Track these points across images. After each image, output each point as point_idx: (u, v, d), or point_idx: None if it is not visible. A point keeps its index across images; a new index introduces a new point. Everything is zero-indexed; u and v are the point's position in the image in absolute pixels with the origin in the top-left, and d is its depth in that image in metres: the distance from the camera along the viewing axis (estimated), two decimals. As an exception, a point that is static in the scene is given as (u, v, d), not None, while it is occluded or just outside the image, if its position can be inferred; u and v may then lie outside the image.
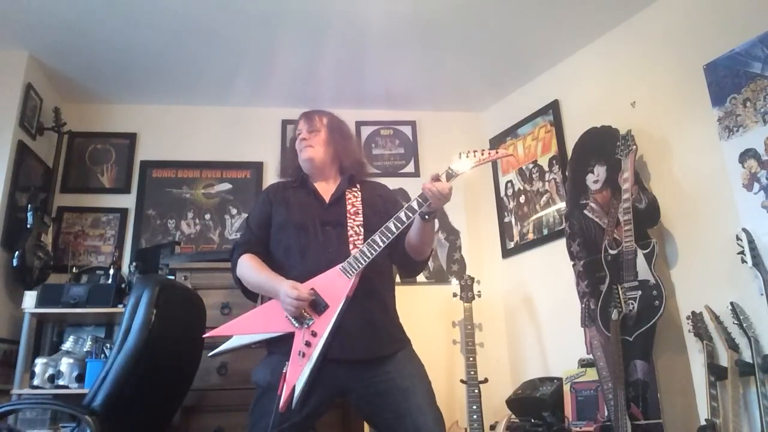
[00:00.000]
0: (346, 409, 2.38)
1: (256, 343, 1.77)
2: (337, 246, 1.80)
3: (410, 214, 1.73)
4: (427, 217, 1.76)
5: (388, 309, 1.86)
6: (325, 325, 1.68)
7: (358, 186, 1.98)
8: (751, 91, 2.41)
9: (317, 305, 1.70)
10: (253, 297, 1.95)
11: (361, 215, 1.87)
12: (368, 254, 1.72)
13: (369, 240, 1.74)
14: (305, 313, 1.70)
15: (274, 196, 1.98)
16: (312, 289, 1.70)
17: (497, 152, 1.81)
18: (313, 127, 1.98)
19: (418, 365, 1.79)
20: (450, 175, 1.73)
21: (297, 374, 1.63)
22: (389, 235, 1.72)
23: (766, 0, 2.42)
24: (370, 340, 1.73)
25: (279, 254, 1.87)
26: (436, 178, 1.71)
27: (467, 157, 1.74)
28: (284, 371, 1.63)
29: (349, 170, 2.00)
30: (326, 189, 1.96)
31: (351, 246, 1.79)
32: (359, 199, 1.92)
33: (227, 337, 1.76)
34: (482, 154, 1.75)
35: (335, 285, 1.71)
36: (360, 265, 1.71)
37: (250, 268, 1.84)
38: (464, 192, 3.72)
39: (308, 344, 1.66)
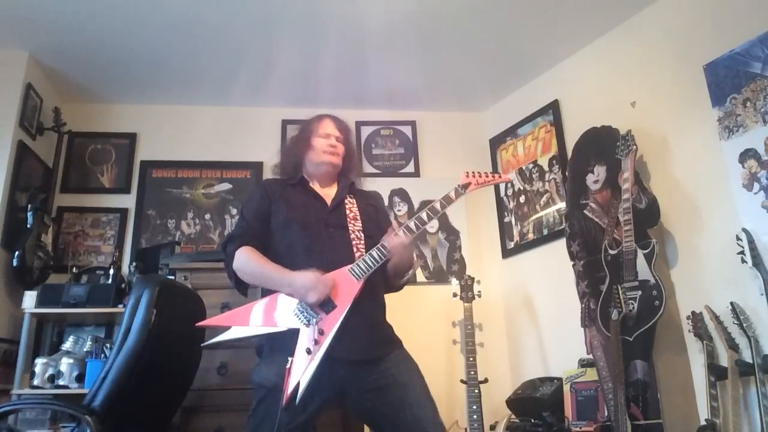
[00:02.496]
0: (346, 409, 2.37)
1: (255, 337, 1.78)
2: (341, 248, 1.83)
3: (420, 225, 1.81)
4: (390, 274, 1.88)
5: (384, 311, 1.90)
6: (332, 323, 1.69)
7: (353, 193, 2.02)
8: (751, 91, 2.41)
9: (325, 303, 1.71)
10: (245, 291, 1.93)
11: (360, 221, 1.91)
12: (378, 259, 1.76)
13: (379, 245, 1.78)
14: (313, 311, 1.70)
15: (273, 192, 1.97)
16: (333, 279, 1.73)
17: (500, 176, 1.99)
18: (342, 136, 2.04)
19: (413, 361, 1.82)
20: (459, 193, 1.84)
21: (303, 371, 1.63)
22: None
23: (766, 0, 2.42)
24: (372, 341, 1.76)
25: (281, 252, 1.86)
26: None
27: (474, 176, 1.88)
28: (288, 367, 1.63)
29: (348, 178, 2.05)
30: (325, 193, 1.98)
31: (354, 249, 1.83)
32: (355, 205, 1.97)
33: (225, 328, 1.75)
34: (487, 177, 1.90)
35: (344, 285, 1.73)
36: (370, 269, 1.76)
37: (251, 260, 1.82)
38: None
39: (316, 342, 1.66)
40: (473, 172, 1.87)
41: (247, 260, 1.83)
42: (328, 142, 1.99)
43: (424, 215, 1.80)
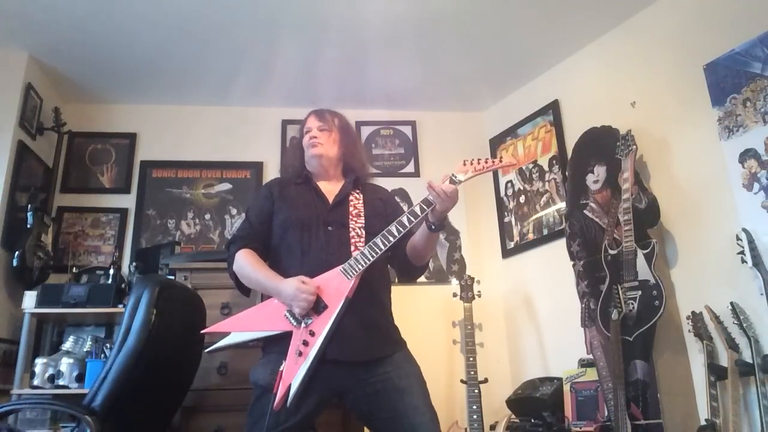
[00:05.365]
0: (345, 409, 2.38)
1: (254, 341, 1.78)
2: (338, 247, 1.80)
3: (413, 219, 1.74)
4: (434, 227, 1.77)
5: (385, 311, 1.87)
6: (323, 325, 1.67)
7: (360, 188, 1.99)
8: (751, 91, 2.41)
9: (316, 305, 1.69)
10: (246, 292, 1.95)
11: (363, 217, 1.88)
12: (369, 256, 1.72)
13: (370, 242, 1.74)
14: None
15: (276, 192, 1.96)
16: (318, 286, 1.71)
17: (501, 160, 1.84)
18: (325, 125, 1.99)
19: (415, 366, 1.79)
20: (454, 182, 1.74)
21: (293, 373, 1.62)
22: (391, 238, 1.73)
23: (766, 0, 2.42)
24: (369, 342, 1.73)
25: (280, 252, 1.87)
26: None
27: (471, 164, 1.76)
28: (280, 370, 1.63)
29: (353, 172, 2.01)
30: (329, 189, 1.96)
31: (352, 248, 1.80)
32: (361, 201, 1.93)
33: (225, 334, 1.76)
34: (486, 163, 1.77)
35: (335, 285, 1.71)
36: (360, 267, 1.72)
37: (248, 264, 1.83)
38: (464, 192, 3.70)
39: (306, 343, 1.66)
40: (471, 160, 1.76)
41: (244, 264, 1.84)
42: (309, 135, 1.98)
43: (417, 209, 1.74)
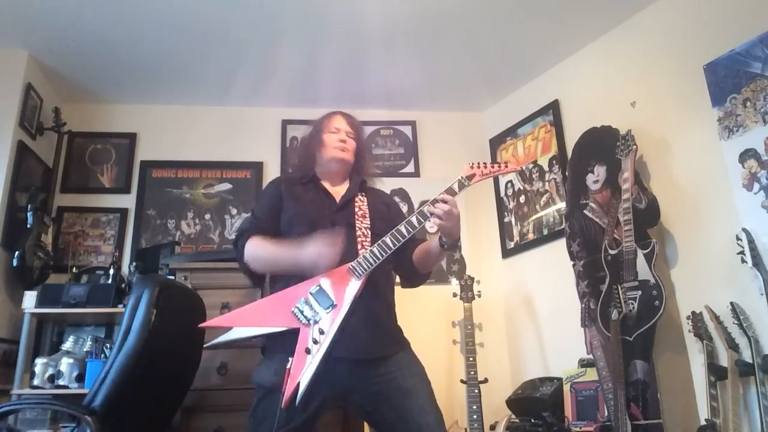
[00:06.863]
0: (346, 409, 2.38)
1: (256, 337, 1.77)
2: (346, 245, 1.80)
3: (422, 219, 1.76)
4: (445, 245, 1.81)
5: (390, 310, 1.88)
6: (332, 322, 1.67)
7: (364, 191, 2.01)
8: (751, 91, 2.41)
9: (325, 302, 1.70)
10: (260, 283, 1.95)
11: (368, 219, 1.90)
12: (379, 255, 1.74)
13: (379, 242, 1.75)
14: (313, 310, 1.69)
15: (283, 189, 1.97)
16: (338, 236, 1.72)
17: (507, 165, 1.91)
18: (353, 133, 2.04)
19: (419, 366, 1.80)
20: (463, 185, 1.80)
21: (302, 371, 1.62)
22: (400, 238, 1.75)
23: (766, 0, 2.42)
24: (374, 340, 1.74)
25: None
26: (443, 200, 1.76)
27: (478, 167, 1.83)
28: (288, 367, 1.62)
29: (359, 175, 2.04)
30: (335, 190, 1.98)
31: (359, 246, 1.81)
32: (366, 203, 1.95)
33: (226, 329, 1.74)
34: (493, 168, 1.84)
35: (344, 283, 1.72)
36: (370, 266, 1.73)
37: (260, 246, 1.82)
38: (464, 192, 3.71)
39: (315, 341, 1.65)
40: (477, 163, 1.83)
41: (255, 247, 1.83)
42: (338, 137, 2.00)
43: (425, 210, 1.76)
